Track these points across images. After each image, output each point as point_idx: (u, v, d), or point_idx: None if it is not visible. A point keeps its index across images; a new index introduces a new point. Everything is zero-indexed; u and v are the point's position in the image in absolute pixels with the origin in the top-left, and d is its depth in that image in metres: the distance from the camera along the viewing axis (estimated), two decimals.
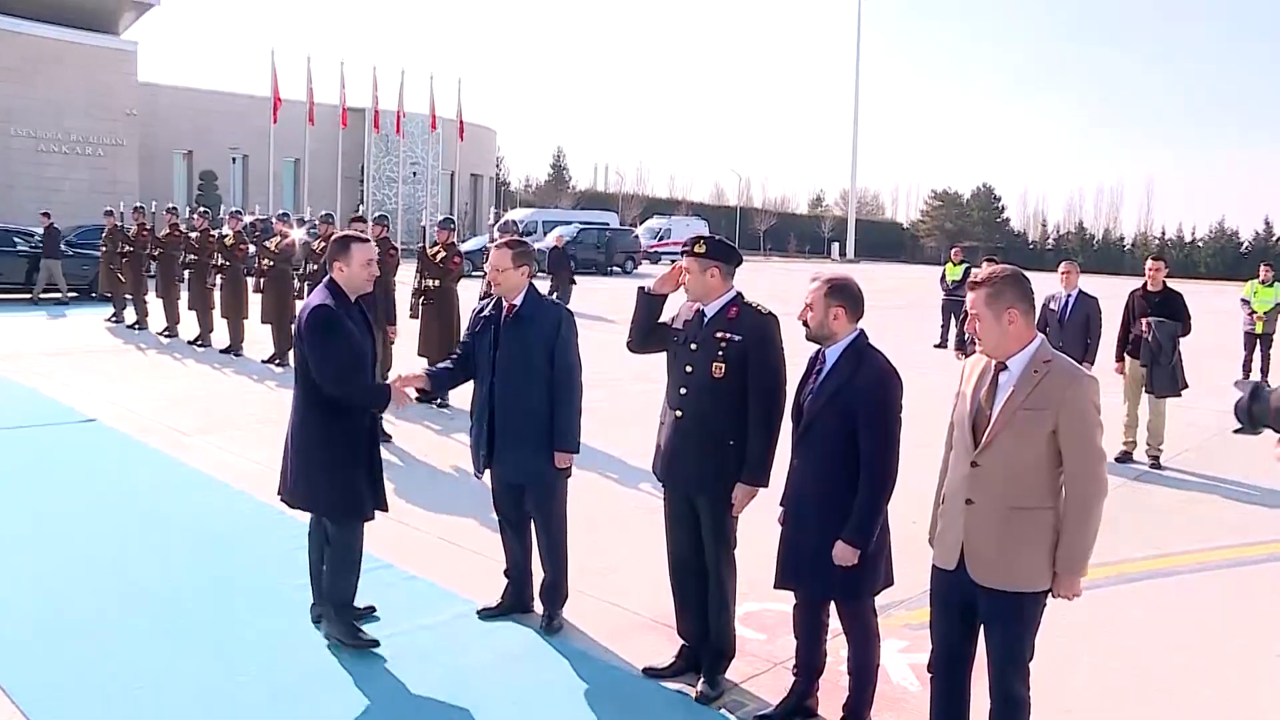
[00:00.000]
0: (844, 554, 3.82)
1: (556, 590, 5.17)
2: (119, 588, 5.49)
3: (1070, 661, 4.89)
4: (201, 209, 16.68)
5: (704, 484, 4.34)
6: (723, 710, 4.32)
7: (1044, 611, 3.46)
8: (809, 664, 4.19)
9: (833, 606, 4.11)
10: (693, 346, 4.34)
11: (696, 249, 4.39)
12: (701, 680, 4.43)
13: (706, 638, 4.48)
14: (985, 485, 3.39)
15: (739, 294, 4.42)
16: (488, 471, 5.13)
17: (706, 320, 4.36)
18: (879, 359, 3.93)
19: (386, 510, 4.93)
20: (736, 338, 4.27)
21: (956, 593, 3.48)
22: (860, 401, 3.83)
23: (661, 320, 4.63)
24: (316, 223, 13.77)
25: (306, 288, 12.87)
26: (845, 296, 3.95)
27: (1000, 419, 3.35)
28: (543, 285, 5.57)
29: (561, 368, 4.98)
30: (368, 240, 4.74)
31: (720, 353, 4.27)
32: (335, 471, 4.61)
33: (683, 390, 4.36)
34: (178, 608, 5.25)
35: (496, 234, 10.71)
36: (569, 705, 4.36)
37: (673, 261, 4.90)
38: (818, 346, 4.02)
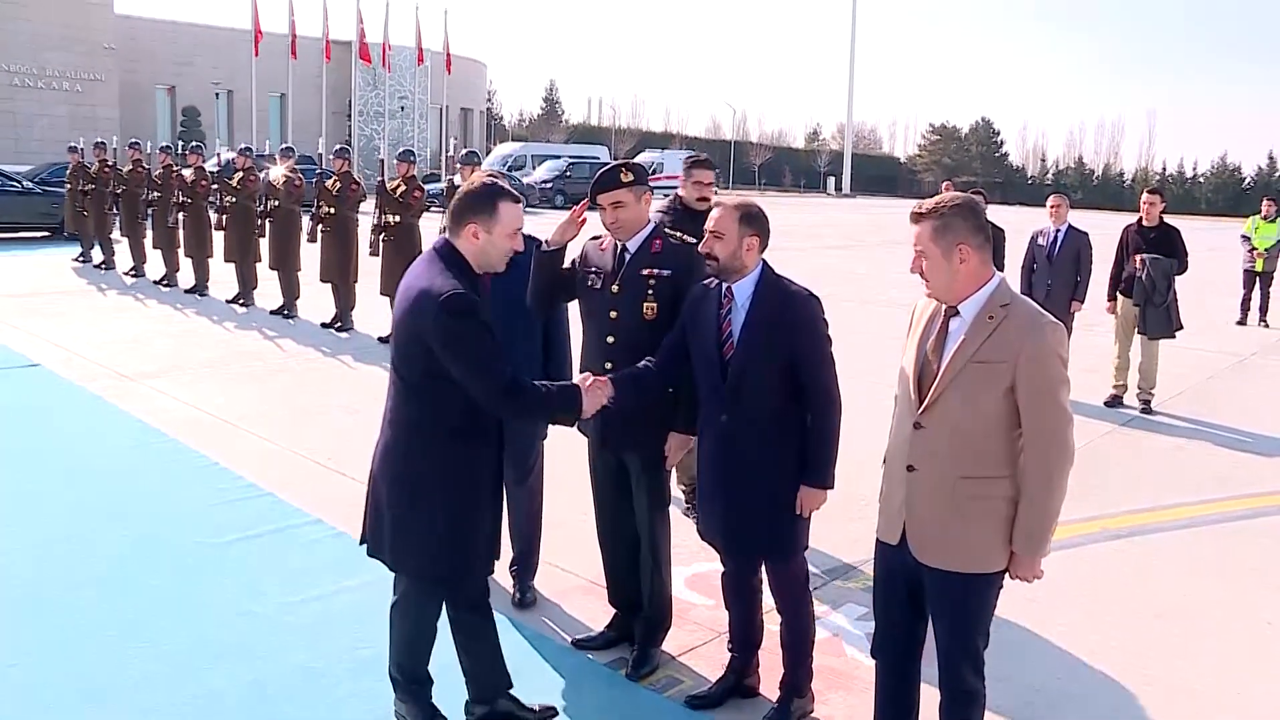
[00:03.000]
0: (815, 499, 3.45)
1: (529, 560, 4.73)
2: (24, 546, 5.09)
3: (1042, 628, 4.52)
4: (164, 144, 16.05)
5: (640, 438, 3.89)
6: (654, 688, 3.92)
7: (999, 594, 3.02)
8: (744, 638, 3.78)
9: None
10: (615, 289, 3.85)
11: (625, 178, 3.88)
12: (633, 653, 4.04)
13: (640, 606, 4.08)
14: (930, 449, 2.90)
15: (656, 225, 3.94)
16: None
17: (630, 258, 3.87)
18: (795, 284, 3.52)
19: (492, 571, 3.54)
20: (665, 273, 3.80)
21: (901, 570, 3.03)
22: (798, 334, 3.40)
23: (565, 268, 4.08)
24: (231, 154, 13.16)
25: (268, 225, 12.36)
26: (758, 225, 3.49)
27: (947, 373, 2.85)
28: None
29: (557, 321, 4.53)
30: (520, 199, 3.26)
31: (650, 291, 3.79)
32: (442, 518, 3.21)
33: (610, 339, 3.86)
34: (83, 570, 4.84)
35: (459, 166, 10.20)
36: None
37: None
38: (714, 283, 3.56)
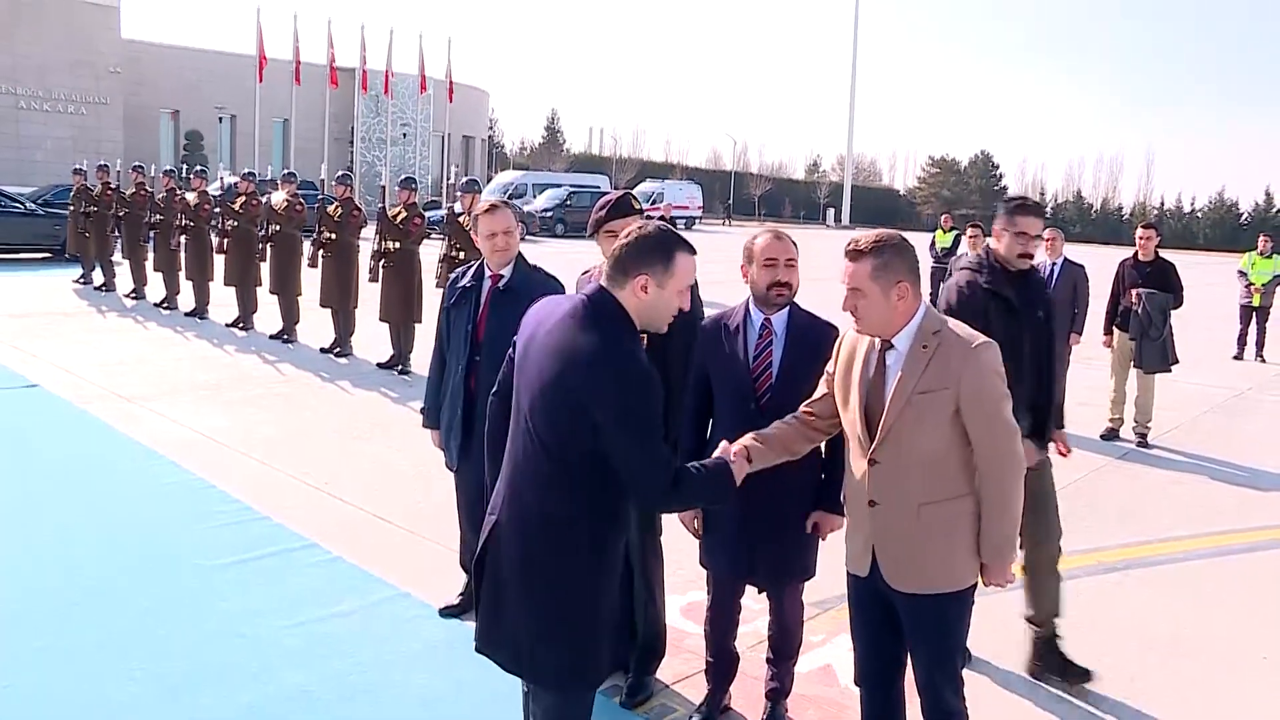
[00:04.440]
0: (836, 524, 3.51)
1: None
2: (19, 567, 5.09)
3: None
4: (167, 168, 16.12)
5: None
6: (648, 716, 3.93)
7: (972, 609, 3.08)
8: (729, 673, 3.87)
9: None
10: None
11: (636, 205, 3.95)
12: (627, 681, 4.03)
13: (635, 634, 4.07)
14: (888, 483, 2.95)
15: None
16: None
17: None
18: (816, 314, 3.60)
19: (626, 668, 3.76)
20: None
21: (874, 598, 3.08)
22: (824, 359, 3.36)
23: None
24: (235, 180, 13.22)
25: (269, 249, 12.39)
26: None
27: (893, 408, 2.89)
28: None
29: None
30: (694, 250, 2.79)
31: None
32: (584, 618, 2.71)
33: None
34: (77, 591, 4.84)
35: (459, 194, 10.26)
36: (481, 707, 3.96)
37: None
38: (734, 316, 3.59)
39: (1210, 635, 4.98)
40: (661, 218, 18.79)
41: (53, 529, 5.65)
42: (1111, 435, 9.03)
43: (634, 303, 2.67)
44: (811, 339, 3.48)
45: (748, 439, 3.01)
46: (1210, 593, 5.56)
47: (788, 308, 3.54)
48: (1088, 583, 5.56)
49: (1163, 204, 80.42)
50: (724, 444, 2.86)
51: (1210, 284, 21.55)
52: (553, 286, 4.36)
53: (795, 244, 3.57)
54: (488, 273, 4.53)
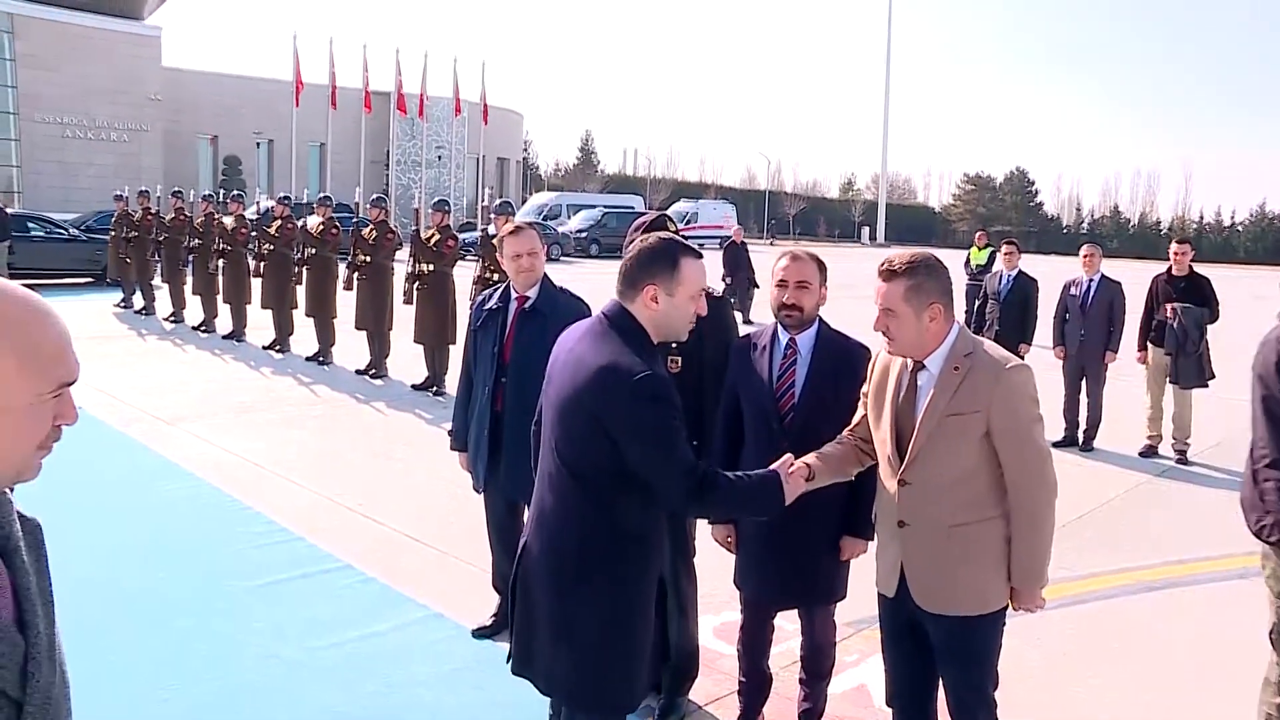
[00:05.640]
0: (859, 548, 3.53)
1: None
2: (56, 585, 5.14)
3: (1075, 683, 4.46)
4: (206, 193, 16.36)
5: None
6: None
7: (1004, 631, 3.04)
8: (762, 689, 3.83)
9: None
10: None
11: (671, 227, 3.96)
12: (659, 701, 4.02)
13: (667, 655, 4.06)
14: (918, 504, 2.93)
15: None
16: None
17: None
18: (846, 335, 3.58)
19: (659, 688, 3.92)
20: None
21: (905, 619, 3.06)
22: (859, 385, 3.30)
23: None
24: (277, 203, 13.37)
25: (305, 272, 12.52)
26: (825, 272, 3.56)
27: (923, 429, 2.87)
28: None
29: None
30: (700, 255, 2.80)
31: (673, 344, 3.82)
32: (613, 639, 2.68)
33: None
34: (112, 610, 4.89)
35: (493, 216, 10.33)
36: None
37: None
38: (763, 335, 3.58)
39: (1249, 657, 4.88)
40: (732, 242, 18.53)
41: (88, 549, 5.72)
42: (1150, 452, 8.91)
43: (647, 314, 2.68)
44: (838, 359, 3.47)
45: (810, 457, 2.98)
46: (1253, 614, 5.42)
47: (815, 327, 3.52)
48: (1124, 602, 5.48)
49: (1202, 217, 79.54)
50: (788, 457, 2.79)
51: (1260, 297, 21.22)
52: (579, 308, 4.38)
53: (820, 265, 3.54)
54: (514, 294, 4.55)
